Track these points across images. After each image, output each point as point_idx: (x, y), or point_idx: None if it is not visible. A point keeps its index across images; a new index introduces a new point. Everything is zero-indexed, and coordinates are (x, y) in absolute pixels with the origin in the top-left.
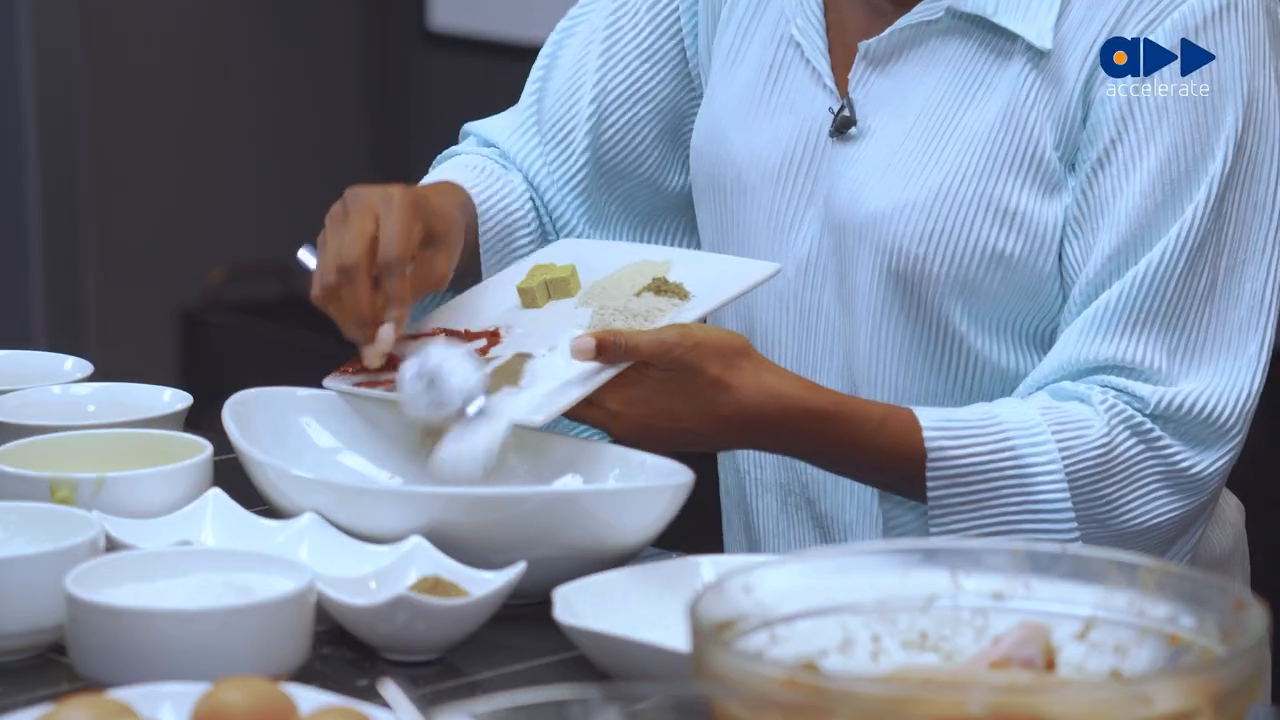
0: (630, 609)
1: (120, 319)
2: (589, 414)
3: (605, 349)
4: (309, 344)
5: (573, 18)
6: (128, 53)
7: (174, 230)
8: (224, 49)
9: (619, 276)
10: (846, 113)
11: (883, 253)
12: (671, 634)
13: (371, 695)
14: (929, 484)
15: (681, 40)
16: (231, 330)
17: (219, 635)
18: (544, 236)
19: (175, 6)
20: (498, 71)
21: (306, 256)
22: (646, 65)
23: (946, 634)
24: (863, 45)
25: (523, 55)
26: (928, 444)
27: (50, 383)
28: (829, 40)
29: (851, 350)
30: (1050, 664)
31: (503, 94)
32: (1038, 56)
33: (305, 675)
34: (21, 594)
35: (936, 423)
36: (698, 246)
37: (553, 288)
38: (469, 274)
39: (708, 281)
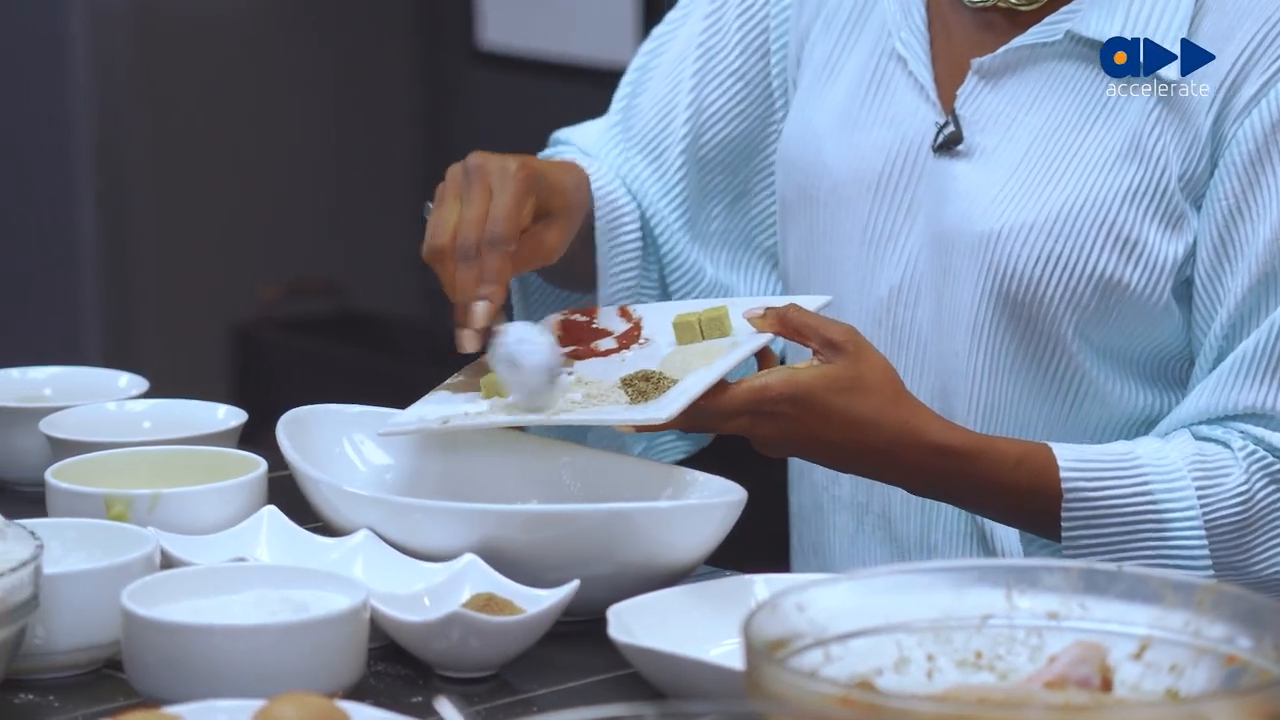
0: (684, 627)
1: (174, 336)
2: (739, 425)
3: (783, 320)
4: (362, 362)
5: (658, 38)
6: (182, 70)
7: (228, 248)
8: (277, 69)
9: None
10: (952, 128)
11: (993, 273)
12: (726, 652)
13: (426, 712)
14: (1064, 525)
15: (768, 60)
16: (285, 348)
17: (274, 651)
18: (645, 239)
19: (228, 24)
20: (548, 91)
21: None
22: (739, 85)
23: (1001, 653)
24: (976, 62)
25: (573, 75)
26: (1064, 484)
27: (105, 399)
28: (933, 54)
29: (946, 368)
30: (1106, 684)
31: (553, 113)
32: (1163, 85)
33: (359, 692)
34: (78, 610)
35: (1074, 462)
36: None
37: (705, 326)
38: (585, 257)
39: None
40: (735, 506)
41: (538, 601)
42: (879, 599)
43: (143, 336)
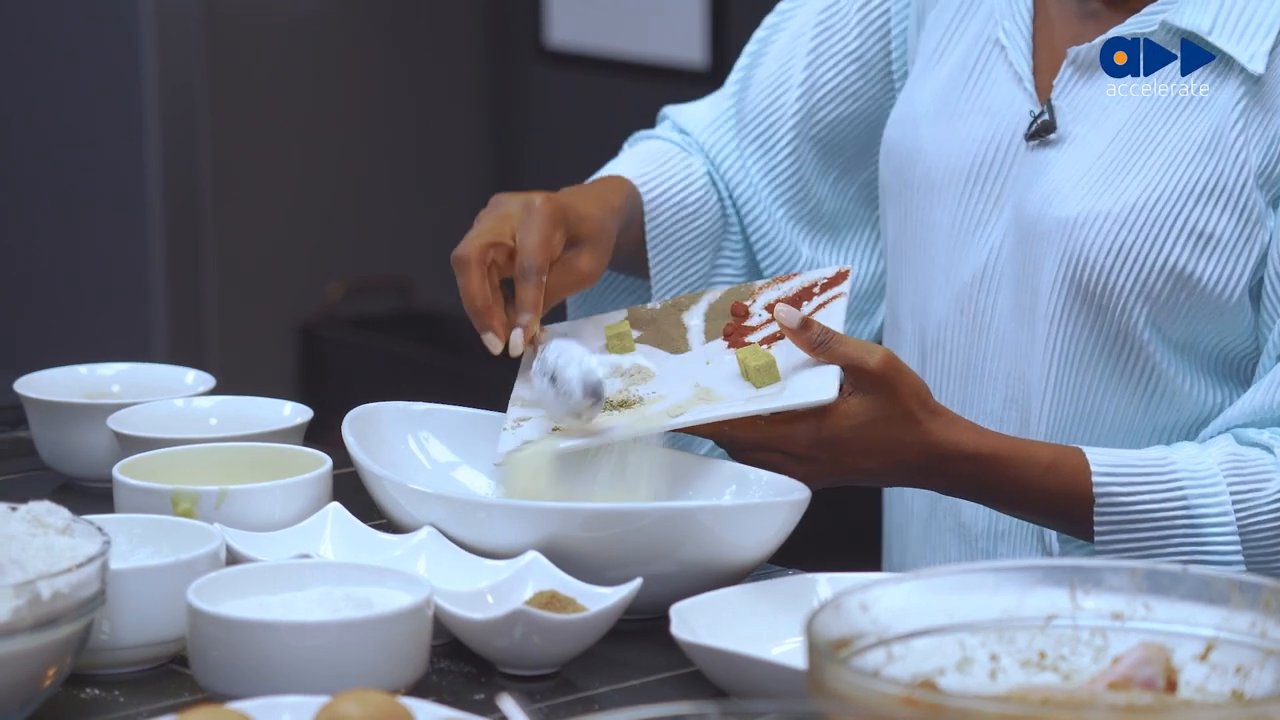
0: (747, 625)
1: (241, 333)
2: (769, 460)
3: (822, 350)
4: (426, 359)
5: (781, 13)
6: (249, 69)
7: (293, 246)
8: (344, 66)
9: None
10: (1047, 118)
11: (1069, 260)
12: (788, 651)
13: (488, 709)
14: (1096, 528)
15: (888, 44)
16: (349, 345)
17: (338, 648)
18: (725, 230)
19: (296, 23)
20: (614, 89)
21: None
22: (855, 66)
23: (1065, 654)
24: (1071, 51)
25: (640, 73)
26: (1096, 489)
27: (172, 396)
28: (1034, 43)
29: (1023, 356)
30: (1171, 685)
31: (619, 112)
32: (1251, 81)
33: (423, 689)
34: (144, 605)
35: (1107, 466)
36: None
37: (753, 374)
38: (637, 263)
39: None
40: (798, 505)
41: (600, 599)
42: (942, 599)
43: (209, 334)
